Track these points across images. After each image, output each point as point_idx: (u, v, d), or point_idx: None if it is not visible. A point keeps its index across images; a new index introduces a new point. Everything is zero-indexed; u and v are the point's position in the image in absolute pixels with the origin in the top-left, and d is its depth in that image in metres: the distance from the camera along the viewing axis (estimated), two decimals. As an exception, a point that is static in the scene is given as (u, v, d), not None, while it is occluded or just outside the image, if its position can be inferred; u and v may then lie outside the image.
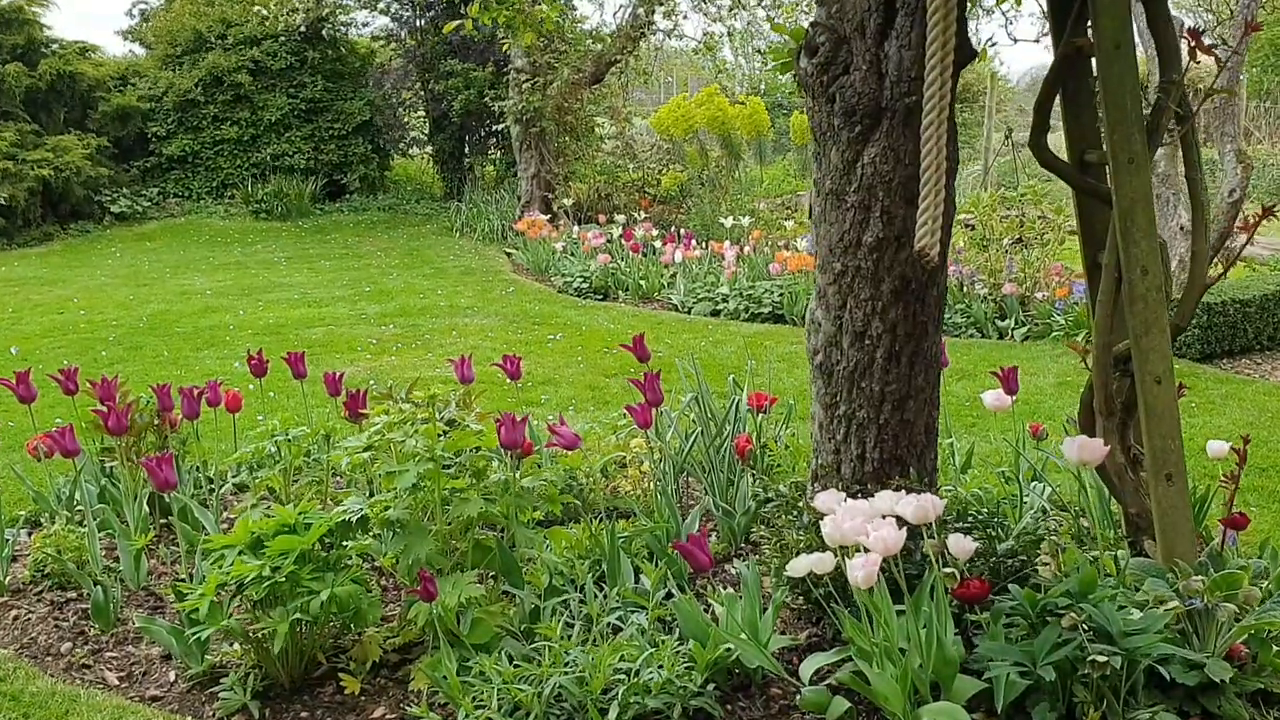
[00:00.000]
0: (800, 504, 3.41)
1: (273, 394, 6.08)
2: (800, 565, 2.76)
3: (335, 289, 10.38)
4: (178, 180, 16.65)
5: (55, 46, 15.94)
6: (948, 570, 2.66)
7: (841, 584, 2.91)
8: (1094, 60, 2.95)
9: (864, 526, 2.55)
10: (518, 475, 3.23)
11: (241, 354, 7.53)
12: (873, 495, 3.15)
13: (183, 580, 3.58)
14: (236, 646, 3.05)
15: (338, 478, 4.34)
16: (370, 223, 15.60)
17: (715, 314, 8.77)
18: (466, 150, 17.77)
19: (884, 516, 2.61)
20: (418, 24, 16.94)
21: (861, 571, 2.45)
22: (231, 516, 4.17)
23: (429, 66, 16.62)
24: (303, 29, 16.24)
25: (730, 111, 10.95)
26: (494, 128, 15.35)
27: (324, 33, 17.08)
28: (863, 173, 2.90)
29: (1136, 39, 3.15)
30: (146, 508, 3.84)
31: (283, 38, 16.54)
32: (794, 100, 19.41)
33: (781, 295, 8.44)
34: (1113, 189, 2.87)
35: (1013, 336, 7.67)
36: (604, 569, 3.35)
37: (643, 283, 9.61)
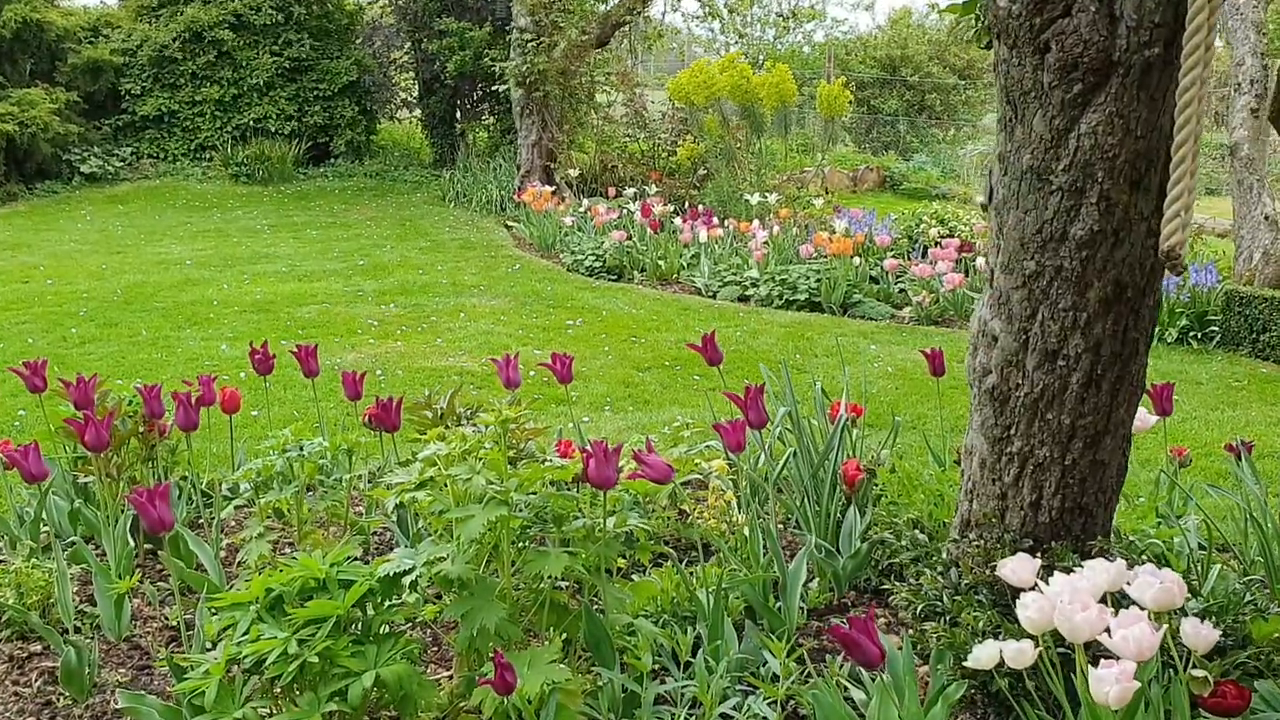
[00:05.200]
0: (943, 557, 2.79)
1: (267, 384, 5.37)
2: (987, 655, 2.14)
3: (326, 261, 9.62)
4: (153, 140, 15.68)
5: (21, -8, 14.91)
6: (1198, 673, 2.04)
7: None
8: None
9: (1103, 619, 1.92)
10: (602, 515, 2.57)
11: (228, 334, 6.81)
12: (1048, 552, 2.55)
13: (173, 629, 2.92)
14: (248, 733, 2.40)
15: (355, 494, 3.68)
16: (357, 189, 14.78)
17: (744, 299, 8.08)
18: (458, 115, 16.92)
19: (1129, 602, 1.98)
20: (411, -22, 16.02)
21: (1115, 689, 1.82)
22: (233, 544, 3.49)
23: (421, 24, 15.73)
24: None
25: (755, 79, 10.23)
26: (489, 89, 14.51)
27: (310, -14, 16.13)
28: (1078, 145, 2.24)
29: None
30: (130, 539, 3.14)
31: (266, -10, 15.61)
32: (800, 70, 18.65)
33: (819, 281, 7.76)
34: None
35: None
36: (699, 632, 2.72)
37: (661, 263, 8.89)
